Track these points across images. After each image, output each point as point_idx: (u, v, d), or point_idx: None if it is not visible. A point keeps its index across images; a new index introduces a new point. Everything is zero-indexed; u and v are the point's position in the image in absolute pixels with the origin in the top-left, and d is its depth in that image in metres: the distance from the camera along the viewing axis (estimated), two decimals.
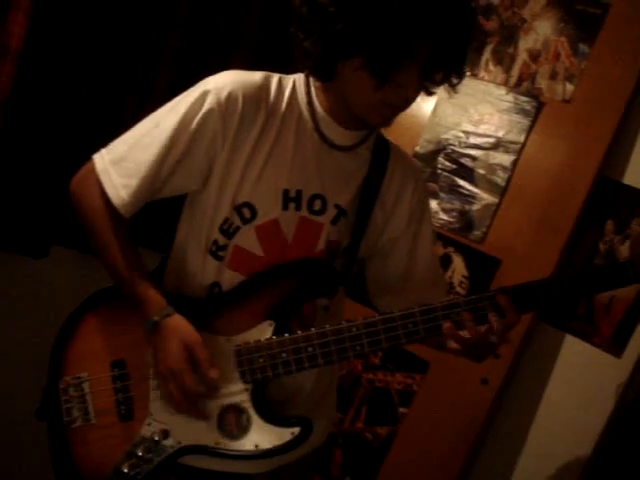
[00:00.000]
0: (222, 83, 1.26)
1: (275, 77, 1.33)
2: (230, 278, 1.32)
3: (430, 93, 1.27)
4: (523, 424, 2.17)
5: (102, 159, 1.31)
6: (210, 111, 1.24)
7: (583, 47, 2.19)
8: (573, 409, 2.09)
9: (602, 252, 2.11)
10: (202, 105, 1.25)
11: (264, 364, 1.26)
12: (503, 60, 2.33)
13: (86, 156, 1.37)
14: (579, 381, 2.10)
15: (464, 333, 1.25)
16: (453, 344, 1.32)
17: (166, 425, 1.29)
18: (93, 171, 1.31)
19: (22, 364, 2.05)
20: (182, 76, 2.09)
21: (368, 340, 1.24)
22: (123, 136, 1.32)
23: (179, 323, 1.25)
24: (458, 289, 2.28)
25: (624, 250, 2.08)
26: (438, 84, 1.25)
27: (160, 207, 1.36)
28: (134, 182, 1.27)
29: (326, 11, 1.17)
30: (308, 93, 1.32)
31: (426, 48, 1.15)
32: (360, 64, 1.17)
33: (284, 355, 1.25)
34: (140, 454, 1.29)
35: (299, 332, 1.26)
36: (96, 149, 1.35)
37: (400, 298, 1.42)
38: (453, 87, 1.27)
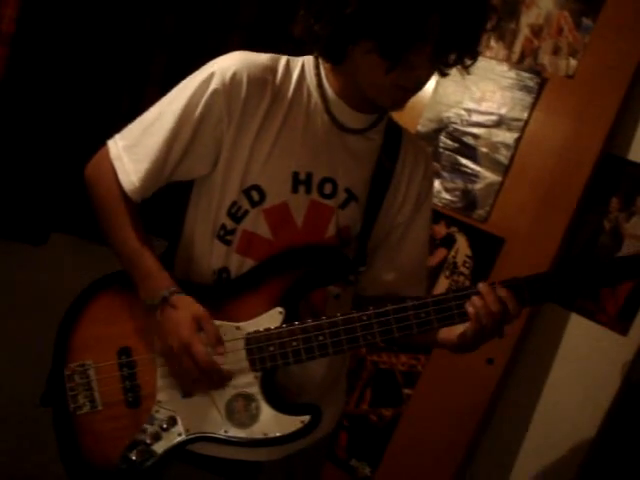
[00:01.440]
0: (227, 64, 1.25)
1: (283, 59, 1.31)
2: (239, 263, 1.31)
3: (444, 74, 1.25)
4: (529, 403, 2.17)
5: (116, 145, 1.31)
6: (215, 92, 1.23)
7: (586, 21, 2.15)
8: (579, 388, 2.08)
9: (607, 229, 2.10)
10: (207, 87, 1.24)
11: (274, 353, 1.25)
12: (505, 36, 2.30)
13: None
14: (585, 359, 2.09)
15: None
16: (443, 335, 1.30)
17: (174, 412, 1.28)
18: (107, 157, 1.31)
19: (22, 352, 2.03)
20: (177, 61, 2.07)
21: (380, 330, 1.23)
22: (135, 122, 1.32)
23: (188, 300, 1.24)
24: (462, 269, 2.26)
25: (629, 227, 2.06)
26: (451, 65, 1.22)
27: (167, 193, 1.34)
28: (144, 167, 1.27)
29: None
30: (318, 75, 1.30)
31: (437, 29, 1.13)
32: (371, 47, 1.15)
33: (294, 344, 1.24)
34: (148, 441, 1.28)
35: (310, 321, 1.25)
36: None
37: (375, 284, 1.41)
38: (466, 68, 1.24)
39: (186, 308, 1.23)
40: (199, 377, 1.22)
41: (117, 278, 1.34)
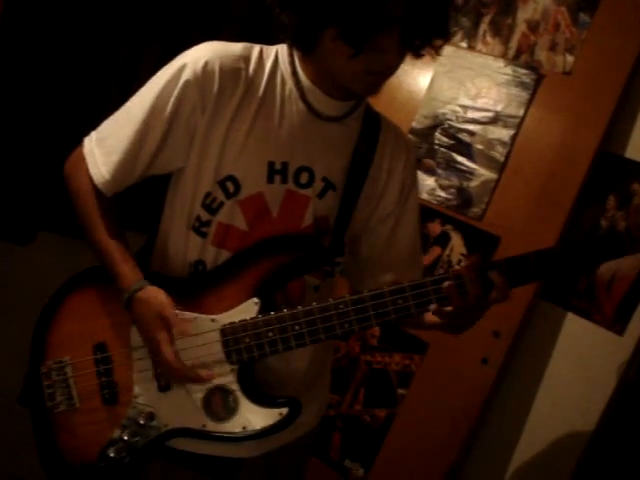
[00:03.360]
0: (199, 54, 1.24)
1: (256, 48, 1.29)
2: (214, 255, 1.29)
3: (418, 55, 1.21)
4: (524, 404, 2.14)
5: (90, 141, 1.32)
6: (187, 83, 1.22)
7: (584, 17, 2.12)
8: (575, 388, 2.05)
9: (604, 228, 2.06)
10: (179, 78, 1.23)
11: (250, 344, 1.23)
12: (501, 31, 2.27)
13: (71, 140, 1.36)
14: (581, 359, 2.06)
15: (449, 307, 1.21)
16: (432, 318, 1.26)
17: (151, 407, 1.27)
18: (81, 153, 1.31)
19: (8, 351, 2.01)
20: (168, 57, 2.04)
21: (356, 317, 1.21)
22: (111, 117, 1.32)
23: (149, 295, 1.23)
24: (457, 267, 2.23)
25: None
26: (420, 47, 1.19)
27: (146, 187, 1.33)
28: (114, 159, 1.26)
29: None
30: (292, 63, 1.28)
31: (402, 10, 1.11)
32: (336, 34, 1.14)
33: (270, 334, 1.22)
34: (126, 438, 1.26)
35: (285, 310, 1.23)
36: (81, 133, 1.34)
37: (374, 279, 1.39)
38: (436, 50, 1.21)
39: (147, 307, 1.22)
40: (172, 375, 1.22)
41: (93, 274, 1.33)
